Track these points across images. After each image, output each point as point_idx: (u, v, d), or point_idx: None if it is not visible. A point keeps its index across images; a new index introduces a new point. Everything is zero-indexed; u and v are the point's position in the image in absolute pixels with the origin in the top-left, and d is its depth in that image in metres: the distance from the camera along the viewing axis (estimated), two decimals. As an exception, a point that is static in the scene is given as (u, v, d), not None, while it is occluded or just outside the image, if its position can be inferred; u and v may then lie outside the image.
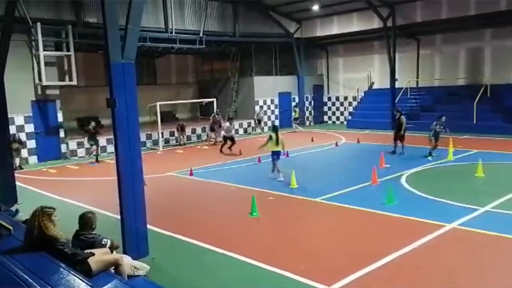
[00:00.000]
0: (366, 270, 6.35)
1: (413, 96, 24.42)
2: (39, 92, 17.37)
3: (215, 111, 21.72)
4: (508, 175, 12.31)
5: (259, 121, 25.32)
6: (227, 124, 18.69)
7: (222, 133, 18.86)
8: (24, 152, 16.84)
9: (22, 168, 15.81)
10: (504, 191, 10.12)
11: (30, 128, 17.10)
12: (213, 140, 21.06)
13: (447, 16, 20.89)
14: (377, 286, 6.02)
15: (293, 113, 26.90)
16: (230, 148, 17.73)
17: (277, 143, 12.32)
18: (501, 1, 19.12)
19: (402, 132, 15.89)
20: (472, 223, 8.17)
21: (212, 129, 21.21)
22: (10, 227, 5.88)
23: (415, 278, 6.19)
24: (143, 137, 19.95)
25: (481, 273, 6.33)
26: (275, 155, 12.46)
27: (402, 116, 16.05)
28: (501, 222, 8.26)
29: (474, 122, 20.57)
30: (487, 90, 21.34)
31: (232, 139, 17.91)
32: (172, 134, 21.59)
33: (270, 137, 12.52)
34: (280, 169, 12.38)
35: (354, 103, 27.30)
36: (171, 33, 20.92)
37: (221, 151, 17.86)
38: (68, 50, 17.63)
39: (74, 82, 17.94)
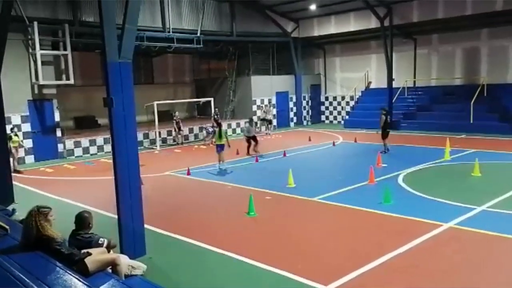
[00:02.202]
0: (363, 270, 6.36)
1: (410, 96, 24.48)
2: (36, 91, 17.32)
3: (214, 110, 21.68)
4: (505, 175, 12.34)
5: (264, 120, 23.95)
6: (247, 124, 18.12)
7: (243, 133, 18.04)
8: (20, 152, 16.76)
9: (19, 172, 14.95)
10: (500, 191, 10.16)
11: (26, 127, 17.03)
12: (210, 140, 21.07)
13: (444, 16, 20.96)
14: (374, 285, 6.04)
15: (261, 112, 24.38)
16: (255, 148, 17.14)
17: (220, 137, 14.40)
18: (497, 1, 19.18)
19: (380, 129, 16.22)
20: (468, 223, 8.20)
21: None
22: (7, 227, 5.87)
23: (412, 278, 6.20)
24: (140, 137, 19.92)
25: (478, 272, 6.35)
26: (219, 147, 14.43)
27: (382, 115, 16.17)
28: (498, 221, 8.29)
29: (471, 121, 20.63)
30: (484, 90, 21.41)
31: (254, 139, 17.25)
32: (169, 133, 21.56)
33: (214, 132, 15.26)
34: (223, 160, 14.47)
35: (352, 103, 27.33)
36: (169, 32, 20.88)
37: (248, 153, 17.09)
38: (65, 49, 17.58)
39: (71, 81, 17.90)
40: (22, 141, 15.98)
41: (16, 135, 15.41)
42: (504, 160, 14.10)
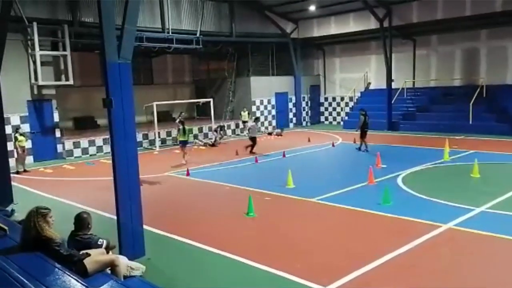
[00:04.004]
0: (362, 270, 6.37)
1: (409, 97, 24.50)
2: (35, 92, 17.32)
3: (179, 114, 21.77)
4: (504, 175, 12.36)
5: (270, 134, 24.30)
6: (253, 123, 18.10)
7: (245, 132, 18.35)
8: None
9: (26, 171, 15.21)
10: (499, 191, 10.16)
11: (26, 128, 16.97)
12: (212, 140, 21.08)
13: (443, 17, 20.98)
14: (373, 286, 6.04)
15: (243, 114, 24.17)
16: (251, 149, 17.15)
17: (183, 134, 15.55)
18: (497, 1, 19.21)
19: (358, 129, 16.85)
20: (467, 224, 8.20)
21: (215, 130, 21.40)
22: (6, 228, 5.85)
23: (411, 278, 6.20)
24: (139, 137, 19.90)
25: (477, 272, 6.36)
26: (182, 143, 15.58)
27: (361, 116, 16.76)
28: (497, 223, 8.29)
29: (470, 122, 20.66)
30: (483, 91, 21.43)
31: (254, 140, 17.24)
32: (168, 134, 21.55)
33: (178, 129, 16.04)
34: (186, 155, 15.47)
35: (351, 104, 27.33)
36: (168, 33, 20.87)
37: (251, 152, 17.07)
38: (64, 49, 17.59)
39: (70, 82, 17.89)
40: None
41: (21, 134, 15.35)
42: (503, 161, 14.11)
